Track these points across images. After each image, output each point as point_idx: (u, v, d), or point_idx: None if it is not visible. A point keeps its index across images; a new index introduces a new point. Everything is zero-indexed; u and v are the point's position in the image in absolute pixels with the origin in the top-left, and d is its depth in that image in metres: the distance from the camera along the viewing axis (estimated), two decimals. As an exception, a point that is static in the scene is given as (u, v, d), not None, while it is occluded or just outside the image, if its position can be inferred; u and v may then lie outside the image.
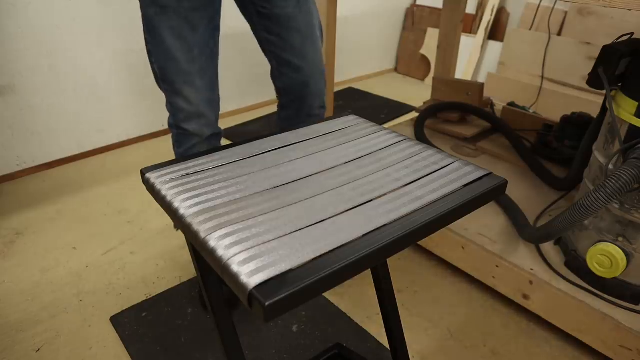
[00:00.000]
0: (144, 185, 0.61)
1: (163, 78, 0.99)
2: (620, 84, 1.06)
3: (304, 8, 1.01)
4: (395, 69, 3.25)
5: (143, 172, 0.61)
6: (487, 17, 2.71)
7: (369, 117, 0.69)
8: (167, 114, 1.04)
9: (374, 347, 1.13)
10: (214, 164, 0.63)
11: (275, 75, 1.13)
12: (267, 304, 0.39)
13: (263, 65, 1.09)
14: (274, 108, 1.16)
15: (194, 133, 1.04)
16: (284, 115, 1.16)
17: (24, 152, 1.84)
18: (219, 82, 1.05)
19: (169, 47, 0.94)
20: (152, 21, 0.93)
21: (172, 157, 0.65)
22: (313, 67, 0.96)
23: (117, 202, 1.71)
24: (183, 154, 1.07)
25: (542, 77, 2.41)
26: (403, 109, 2.50)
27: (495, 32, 2.74)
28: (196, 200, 0.54)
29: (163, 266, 1.40)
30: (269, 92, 2.11)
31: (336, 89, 2.76)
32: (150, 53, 0.98)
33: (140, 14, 0.92)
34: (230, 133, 2.18)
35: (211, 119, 1.05)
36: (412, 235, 0.50)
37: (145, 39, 0.97)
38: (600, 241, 1.04)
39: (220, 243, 0.46)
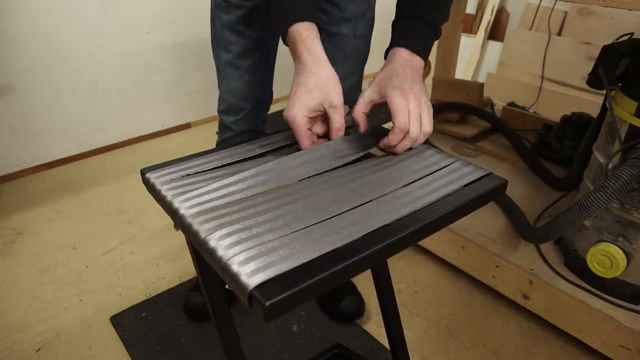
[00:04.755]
0: (143, 185, 0.61)
1: (217, 67, 1.03)
2: (620, 84, 1.06)
3: (358, 32, 1.01)
4: (395, 69, 3.25)
5: (143, 172, 0.61)
6: (487, 17, 2.71)
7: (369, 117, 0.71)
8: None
9: (374, 347, 1.13)
10: (215, 164, 0.63)
11: None
12: (267, 304, 0.39)
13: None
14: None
15: (229, 126, 1.07)
16: None
17: (24, 152, 1.84)
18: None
19: (225, 39, 0.96)
20: (215, 12, 0.96)
21: (171, 157, 0.65)
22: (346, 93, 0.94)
23: (117, 202, 1.71)
24: (219, 144, 1.12)
25: (542, 77, 2.40)
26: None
27: (495, 32, 2.74)
28: (196, 200, 0.54)
29: (163, 266, 1.40)
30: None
31: (336, 89, 2.75)
32: (211, 41, 1.01)
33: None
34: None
35: (252, 116, 1.06)
36: (412, 235, 0.50)
37: (210, 26, 1.00)
38: (600, 241, 1.04)
39: (221, 243, 0.46)
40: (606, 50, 1.04)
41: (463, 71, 2.77)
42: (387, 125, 0.67)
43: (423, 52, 0.70)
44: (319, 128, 0.68)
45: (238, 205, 0.53)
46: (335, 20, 0.98)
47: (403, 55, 0.69)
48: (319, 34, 0.66)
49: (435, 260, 1.41)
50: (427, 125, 0.64)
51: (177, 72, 2.16)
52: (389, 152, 0.66)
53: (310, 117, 0.65)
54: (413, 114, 0.63)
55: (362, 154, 0.66)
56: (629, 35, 1.11)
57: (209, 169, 0.61)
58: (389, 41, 0.72)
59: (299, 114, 0.64)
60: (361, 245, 0.46)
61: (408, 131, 0.63)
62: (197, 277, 0.97)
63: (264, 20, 0.93)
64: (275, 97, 1.10)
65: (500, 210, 1.37)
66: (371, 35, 1.05)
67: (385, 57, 0.72)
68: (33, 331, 1.17)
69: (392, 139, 0.64)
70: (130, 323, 1.19)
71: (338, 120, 0.65)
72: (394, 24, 0.74)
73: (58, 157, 1.94)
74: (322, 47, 0.66)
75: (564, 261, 1.16)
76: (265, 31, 0.96)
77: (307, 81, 0.64)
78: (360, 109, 0.68)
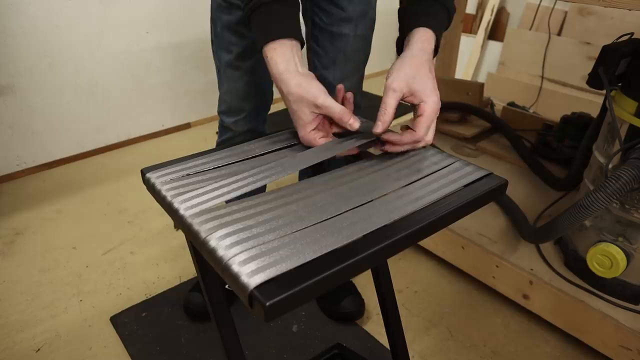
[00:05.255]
0: (144, 185, 0.61)
1: (217, 67, 1.02)
2: (620, 84, 1.06)
3: (359, 32, 1.00)
4: (395, 69, 3.25)
5: (143, 172, 0.61)
6: (487, 17, 2.71)
7: (369, 117, 0.70)
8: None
9: (374, 347, 1.13)
10: (215, 164, 0.63)
11: None
12: (267, 304, 0.39)
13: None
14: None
15: (229, 127, 1.07)
16: None
17: (24, 152, 1.84)
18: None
19: (226, 40, 0.96)
20: (215, 12, 0.95)
21: (171, 157, 0.65)
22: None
23: (117, 202, 1.71)
24: (219, 144, 1.12)
25: (542, 77, 2.40)
26: (403, 109, 2.50)
27: (495, 32, 2.74)
28: (196, 200, 0.54)
29: (163, 266, 1.40)
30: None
31: (336, 89, 2.75)
32: (212, 42, 1.01)
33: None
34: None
35: (252, 116, 1.06)
36: (412, 235, 0.50)
37: (210, 27, 0.99)
38: (600, 241, 1.04)
39: (221, 243, 0.46)
40: (606, 50, 1.04)
41: (463, 71, 2.77)
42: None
43: (440, 40, 0.69)
44: (335, 128, 0.68)
45: (238, 205, 0.53)
46: (336, 20, 0.98)
47: (431, 42, 0.67)
48: (285, 47, 0.64)
49: (435, 260, 1.41)
50: (430, 136, 0.65)
51: (177, 72, 2.16)
52: (386, 149, 0.66)
53: (316, 128, 0.65)
54: (433, 126, 0.64)
55: (358, 144, 0.66)
56: (629, 35, 1.11)
57: (209, 169, 0.61)
58: (390, 38, 0.71)
59: (303, 133, 0.65)
60: (361, 245, 0.46)
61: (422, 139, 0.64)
62: (197, 277, 0.97)
63: None
64: (275, 97, 1.10)
65: (500, 210, 1.37)
66: (372, 35, 1.05)
67: (399, 43, 0.70)
68: (33, 331, 1.17)
69: (403, 139, 0.64)
70: (130, 323, 1.19)
71: (334, 112, 0.63)
72: (408, 5, 0.71)
73: (58, 157, 1.94)
74: (282, 60, 0.63)
75: (564, 261, 1.16)
76: None
77: (288, 101, 0.64)
78: (391, 112, 0.63)
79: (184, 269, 1.38)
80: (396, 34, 0.72)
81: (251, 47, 0.96)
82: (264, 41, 0.64)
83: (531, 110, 2.32)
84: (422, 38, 0.66)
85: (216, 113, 1.09)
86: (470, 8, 2.79)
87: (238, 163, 0.64)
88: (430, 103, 0.63)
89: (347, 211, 0.52)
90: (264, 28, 0.65)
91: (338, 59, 1.02)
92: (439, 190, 0.57)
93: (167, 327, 1.18)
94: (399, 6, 0.74)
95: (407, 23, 0.69)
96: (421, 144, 0.66)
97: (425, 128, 0.63)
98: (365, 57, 1.06)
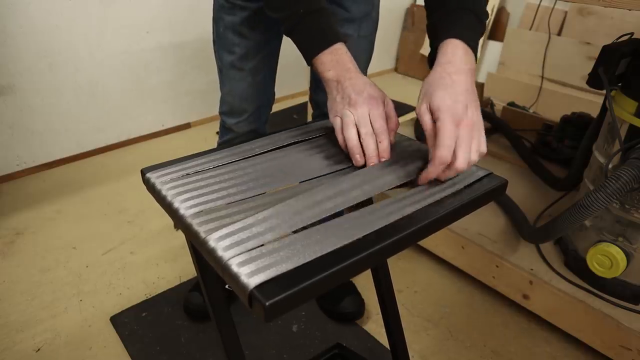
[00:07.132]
0: (144, 185, 0.61)
1: (219, 68, 1.02)
2: (620, 84, 1.06)
3: (363, 33, 1.00)
4: (395, 69, 3.25)
5: (143, 172, 0.61)
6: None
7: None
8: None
9: (374, 347, 1.13)
10: (215, 163, 0.63)
11: (312, 88, 1.15)
12: (267, 304, 0.39)
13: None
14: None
15: (230, 128, 1.06)
16: None
17: (24, 152, 1.84)
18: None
19: (228, 41, 0.95)
20: (218, 12, 0.95)
21: (171, 157, 0.65)
22: None
23: (117, 202, 1.71)
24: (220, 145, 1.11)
25: (542, 77, 2.40)
26: (403, 109, 2.50)
27: (495, 32, 2.74)
28: (196, 200, 0.54)
29: (163, 266, 1.40)
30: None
31: (336, 89, 2.75)
32: (213, 42, 1.01)
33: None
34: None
35: (254, 117, 1.06)
36: (412, 235, 0.50)
37: (212, 27, 0.99)
38: (600, 241, 1.04)
39: (221, 243, 0.46)
40: (606, 50, 1.04)
41: (463, 71, 2.76)
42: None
43: (476, 48, 0.63)
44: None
45: (238, 205, 0.53)
46: (340, 21, 0.97)
47: (459, 52, 0.60)
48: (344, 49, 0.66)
49: (435, 260, 1.41)
50: (474, 154, 0.56)
51: (177, 72, 2.16)
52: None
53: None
54: (462, 144, 0.55)
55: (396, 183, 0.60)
56: (629, 35, 1.11)
57: (210, 169, 0.61)
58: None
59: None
60: (361, 245, 0.46)
61: (452, 162, 0.55)
62: (197, 277, 0.97)
63: (268, 22, 0.93)
64: (276, 97, 1.10)
65: (500, 210, 1.37)
66: (375, 35, 1.05)
67: (430, 57, 0.66)
68: (33, 331, 1.17)
69: (431, 171, 0.56)
70: (130, 323, 1.19)
71: (392, 116, 0.65)
72: (437, 15, 0.66)
73: (58, 157, 1.94)
74: (350, 59, 0.66)
75: (564, 261, 1.16)
76: (268, 33, 0.96)
77: (363, 85, 0.63)
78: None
79: (184, 269, 1.38)
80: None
81: (254, 48, 0.96)
82: (323, 47, 0.65)
83: (531, 110, 2.32)
84: (456, 58, 0.60)
85: (216, 113, 1.09)
86: (470, 8, 2.79)
87: (238, 162, 0.63)
88: (444, 121, 0.54)
89: (347, 211, 0.52)
90: (322, 33, 0.66)
91: None
92: (440, 191, 0.57)
93: (167, 327, 1.18)
94: (426, 22, 0.70)
95: (432, 38, 0.65)
96: (464, 168, 0.56)
97: (446, 151, 0.54)
98: (369, 56, 1.06)
